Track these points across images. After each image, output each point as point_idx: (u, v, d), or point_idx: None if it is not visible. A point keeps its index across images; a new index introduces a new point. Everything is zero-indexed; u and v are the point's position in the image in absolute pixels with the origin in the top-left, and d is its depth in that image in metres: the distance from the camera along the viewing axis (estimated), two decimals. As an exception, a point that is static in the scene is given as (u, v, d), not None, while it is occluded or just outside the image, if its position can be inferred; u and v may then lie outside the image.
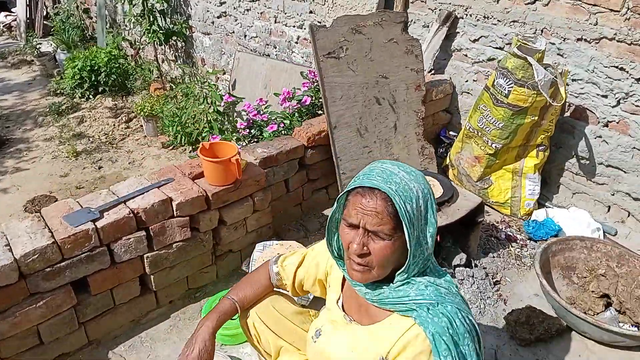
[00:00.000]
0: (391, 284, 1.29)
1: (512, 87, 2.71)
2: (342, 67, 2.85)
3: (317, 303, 2.38)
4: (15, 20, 8.46)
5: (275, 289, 1.77)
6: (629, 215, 2.98)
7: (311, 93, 3.17)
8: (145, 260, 2.29)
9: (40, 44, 7.35)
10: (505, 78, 2.74)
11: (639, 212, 2.92)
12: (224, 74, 5.47)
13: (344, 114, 2.87)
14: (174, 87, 6.16)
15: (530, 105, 2.72)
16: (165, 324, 2.43)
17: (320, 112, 3.23)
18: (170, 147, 5.12)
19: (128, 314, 2.37)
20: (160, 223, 2.29)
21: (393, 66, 3.03)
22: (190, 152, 4.97)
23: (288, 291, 1.75)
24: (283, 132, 3.16)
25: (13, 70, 7.29)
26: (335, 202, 1.34)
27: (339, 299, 1.51)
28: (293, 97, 3.17)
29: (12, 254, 1.95)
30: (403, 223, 1.19)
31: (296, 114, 3.16)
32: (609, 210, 3.05)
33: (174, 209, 2.30)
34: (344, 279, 1.52)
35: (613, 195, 2.99)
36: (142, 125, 5.50)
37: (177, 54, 6.17)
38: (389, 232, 1.21)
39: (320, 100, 3.14)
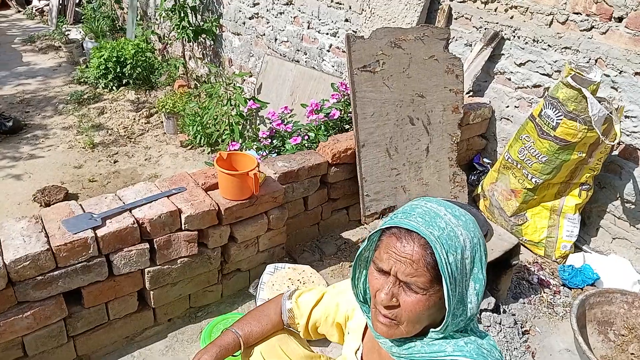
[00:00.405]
0: (424, 338, 1.10)
1: (561, 119, 2.48)
2: (376, 82, 2.65)
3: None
4: (48, 5, 8.44)
5: (285, 327, 1.57)
6: (674, 269, 2.72)
7: (340, 106, 2.98)
8: (146, 275, 2.11)
9: (70, 30, 7.31)
10: (554, 109, 2.51)
11: (686, 266, 2.66)
12: (251, 76, 5.31)
13: (374, 132, 2.67)
14: (198, 85, 6.03)
15: (580, 140, 2.49)
16: (162, 344, 2.24)
17: (347, 127, 3.04)
18: (189, 147, 4.98)
19: (122, 330, 2.18)
20: (166, 236, 2.11)
21: (431, 85, 2.82)
22: (208, 152, 4.82)
23: (299, 332, 1.55)
24: (306, 145, 2.96)
25: (40, 54, 7.24)
26: (367, 239, 1.14)
27: (358, 349, 1.31)
28: (321, 110, 2.98)
29: (2, 259, 1.78)
30: (442, 277, 1.00)
31: (322, 127, 2.97)
32: (652, 260, 2.80)
33: (183, 221, 2.12)
34: (366, 327, 1.32)
35: (659, 245, 2.74)
36: (162, 122, 5.37)
37: (204, 52, 6.04)
38: (424, 285, 1.02)
39: (349, 114, 2.95)
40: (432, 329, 1.09)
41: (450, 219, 1.04)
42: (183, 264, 2.19)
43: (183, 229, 2.14)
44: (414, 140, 2.83)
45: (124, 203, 2.12)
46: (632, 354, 2.18)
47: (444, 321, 1.05)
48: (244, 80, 5.46)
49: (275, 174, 2.51)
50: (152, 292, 2.16)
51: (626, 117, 2.69)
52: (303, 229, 2.83)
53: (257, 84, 4.82)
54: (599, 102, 2.43)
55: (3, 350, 1.89)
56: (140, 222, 2.03)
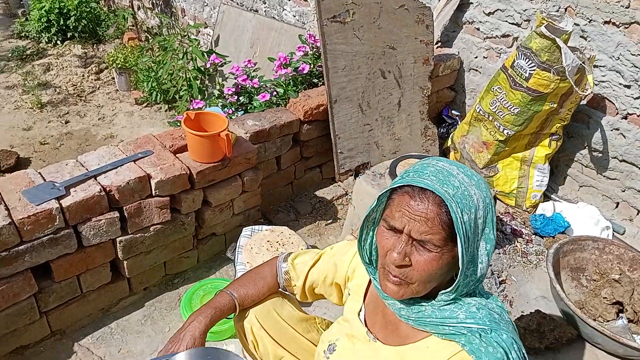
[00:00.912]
0: (433, 302, 1.08)
1: (534, 70, 2.46)
2: (347, 33, 2.54)
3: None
4: (-25, -50, 7.70)
5: (280, 289, 1.53)
6: (638, 214, 2.82)
7: (309, 60, 2.86)
8: (117, 244, 2.01)
9: (3, -21, 6.73)
10: (527, 59, 2.48)
11: (649, 210, 2.76)
12: (206, 27, 5.05)
13: (346, 87, 2.58)
14: (150, 38, 5.70)
15: (552, 91, 2.49)
16: (139, 314, 2.17)
17: (317, 81, 2.93)
18: (144, 104, 4.75)
19: (97, 302, 2.09)
20: (137, 203, 1.99)
21: (402, 36, 2.74)
22: (166, 110, 4.62)
23: (296, 294, 1.51)
24: (275, 101, 2.85)
25: (-29, 7, 6.67)
26: (376, 200, 1.09)
27: (360, 310, 1.28)
28: (290, 64, 2.85)
29: (-40, 236, 1.64)
30: (457, 235, 0.98)
31: (291, 83, 2.85)
32: (617, 206, 2.89)
33: (153, 187, 2.01)
34: (367, 288, 1.29)
35: (624, 191, 2.82)
36: (113, 78, 5.09)
37: (154, 1, 5.69)
38: (439, 243, 1.00)
39: (318, 68, 2.85)
40: (442, 291, 1.07)
41: (463, 178, 1.02)
42: (156, 231, 2.09)
43: (154, 195, 2.03)
44: (386, 94, 2.77)
45: (87, 170, 1.98)
46: (605, 297, 2.26)
47: (456, 281, 1.03)
48: (199, 32, 5.20)
49: (246, 133, 2.41)
50: (125, 262, 2.06)
51: (595, 66, 2.69)
52: (277, 189, 2.76)
53: (213, 36, 4.59)
54: (572, 51, 2.42)
55: (-31, 332, 1.78)
56: (108, 189, 1.91)
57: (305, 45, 2.97)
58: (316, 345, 1.43)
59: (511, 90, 2.59)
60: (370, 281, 1.28)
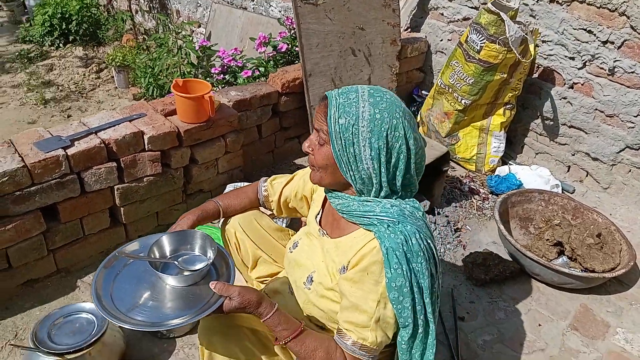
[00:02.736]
0: (359, 198, 1.35)
1: (484, 42, 2.78)
2: (319, 14, 2.86)
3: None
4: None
5: (260, 205, 1.82)
6: (587, 175, 3.12)
7: (288, 40, 3.18)
8: (115, 192, 2.31)
9: (9, -12, 7.09)
10: (478, 34, 2.80)
11: (596, 171, 3.06)
12: (199, 26, 5.39)
13: (319, 63, 2.90)
14: (147, 39, 6.04)
15: (501, 62, 2.80)
16: (134, 257, 2.46)
17: (296, 61, 3.25)
18: (142, 99, 5.06)
19: (97, 245, 2.39)
20: (132, 155, 2.30)
21: (370, 18, 3.06)
22: (162, 104, 4.92)
23: (273, 209, 1.79)
24: (257, 78, 3.17)
25: (-22, 15, 7.04)
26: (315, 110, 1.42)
27: (318, 213, 1.58)
28: (269, 42, 3.18)
29: (-19, 175, 1.94)
30: (328, 130, 1.28)
31: (272, 62, 3.17)
32: (568, 170, 3.19)
33: (146, 142, 2.31)
34: (326, 197, 1.57)
35: (573, 155, 3.12)
36: (113, 76, 5.41)
37: (151, 4, 6.04)
38: (326, 134, 1.30)
39: (296, 48, 3.16)
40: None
41: (363, 95, 1.28)
42: (149, 182, 2.39)
43: (147, 149, 2.33)
44: (357, 70, 3.08)
45: (89, 127, 2.29)
46: (547, 239, 2.55)
47: (352, 178, 1.31)
48: (193, 31, 5.53)
49: (229, 101, 2.71)
50: (122, 209, 2.36)
51: (543, 41, 3.01)
52: (259, 156, 3.06)
53: (206, 33, 4.92)
54: (517, 25, 2.73)
55: (-12, 261, 2.08)
56: (107, 142, 2.21)
57: (284, 28, 3.30)
58: None
59: (466, 63, 2.90)
60: None
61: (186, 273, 1.41)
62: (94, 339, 1.79)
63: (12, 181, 1.99)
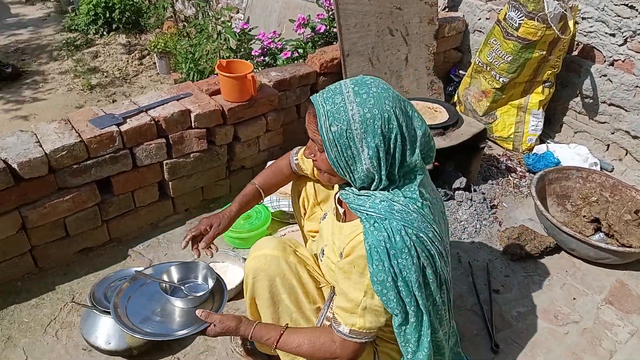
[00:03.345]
0: (355, 191, 1.39)
1: (522, 19, 2.78)
2: (357, -5, 2.91)
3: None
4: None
5: (294, 173, 1.89)
6: (626, 154, 3.09)
7: (326, 22, 3.25)
8: (164, 167, 2.44)
9: (55, -21, 7.36)
10: (516, 10, 2.80)
11: (636, 150, 3.03)
12: (238, 12, 5.50)
13: (357, 42, 2.95)
14: (187, 26, 6.19)
15: (539, 39, 2.80)
16: (181, 229, 2.60)
17: (334, 42, 3.31)
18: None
19: (147, 217, 2.53)
20: (179, 132, 2.42)
21: (407, -2, 3.09)
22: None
23: (308, 174, 1.85)
24: (297, 60, 3.25)
25: (27, 6, 7.34)
26: None
27: (336, 193, 1.63)
28: (308, 24, 3.25)
29: (43, 149, 2.09)
30: (322, 140, 1.30)
31: (310, 43, 3.25)
32: (607, 148, 3.16)
33: (192, 120, 2.43)
34: None
35: (613, 133, 3.09)
36: (155, 63, 5.58)
37: (191, -9, 6.17)
38: (321, 144, 1.32)
39: (334, 29, 3.22)
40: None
41: (349, 96, 1.27)
42: (195, 158, 2.51)
43: (193, 126, 2.45)
44: (394, 50, 3.12)
45: (139, 106, 2.42)
46: (584, 216, 2.56)
47: (351, 179, 1.35)
48: (232, 17, 5.64)
49: (269, 82, 2.81)
50: (170, 183, 2.50)
51: (582, 18, 2.99)
52: (297, 135, 3.14)
53: (244, 18, 5.03)
54: (556, 1, 2.72)
55: (50, 230, 2.24)
56: (156, 120, 2.34)
57: (322, 11, 3.36)
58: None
59: (504, 40, 2.91)
60: None
61: (190, 297, 1.64)
62: (146, 301, 1.92)
63: (70, 155, 2.13)
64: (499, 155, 3.17)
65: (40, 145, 2.11)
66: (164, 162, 2.43)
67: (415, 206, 1.32)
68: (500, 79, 3.03)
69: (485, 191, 2.81)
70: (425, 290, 1.34)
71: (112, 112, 2.37)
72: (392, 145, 1.29)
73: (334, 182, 1.45)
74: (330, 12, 3.27)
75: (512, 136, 3.18)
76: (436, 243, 1.34)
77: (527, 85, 3.08)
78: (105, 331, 1.90)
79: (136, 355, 1.95)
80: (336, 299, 1.42)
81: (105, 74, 5.46)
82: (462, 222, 2.60)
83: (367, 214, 1.32)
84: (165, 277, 1.71)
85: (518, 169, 3.04)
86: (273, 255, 1.56)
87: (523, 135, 3.16)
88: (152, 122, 2.32)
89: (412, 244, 1.28)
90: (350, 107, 1.26)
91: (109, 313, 1.87)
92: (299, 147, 1.90)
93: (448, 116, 2.65)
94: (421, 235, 1.30)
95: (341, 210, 1.52)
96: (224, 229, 1.74)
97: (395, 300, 1.30)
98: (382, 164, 1.29)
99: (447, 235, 1.50)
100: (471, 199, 2.69)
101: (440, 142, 2.50)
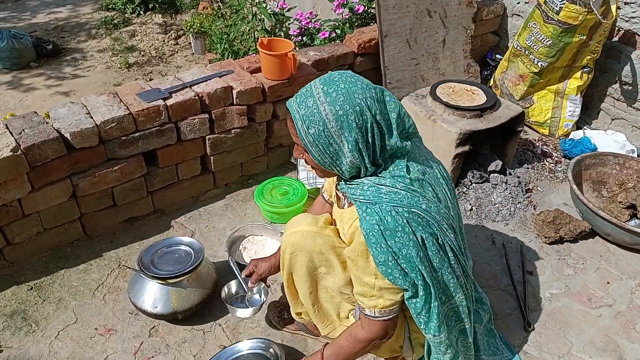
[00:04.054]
0: (350, 181, 1.46)
1: (564, 3, 2.76)
2: (397, -24, 2.92)
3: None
4: None
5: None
6: (665, 142, 3.05)
7: (364, 2, 3.27)
8: (206, 142, 2.52)
9: (93, -42, 7.46)
10: (558, -6, 2.78)
11: (676, 138, 2.99)
12: (273, -6, 5.52)
13: (395, 24, 2.97)
14: (221, 6, 6.25)
15: (580, 23, 2.77)
16: (221, 203, 2.68)
17: (371, 23, 3.33)
18: (218, 64, 5.28)
19: (189, 190, 2.62)
20: (222, 109, 2.49)
21: (446, -20, 3.09)
22: (236, 69, 5.12)
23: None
24: (334, 40, 3.28)
25: (66, -17, 7.48)
26: None
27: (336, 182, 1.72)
28: (347, 4, 3.28)
29: (93, 120, 2.18)
30: (303, 143, 1.37)
31: (348, 23, 3.28)
32: (646, 136, 3.13)
33: (234, 96, 2.50)
34: None
35: (652, 121, 3.06)
36: (190, 43, 5.67)
37: (227, -28, 6.21)
38: (304, 146, 1.39)
39: (372, 10, 3.24)
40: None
41: (319, 97, 1.32)
42: (236, 134, 2.58)
43: (235, 103, 2.52)
44: (432, 32, 3.13)
45: (183, 82, 2.49)
46: (620, 202, 2.55)
47: (339, 172, 1.42)
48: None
49: (308, 61, 2.85)
50: (212, 158, 2.58)
51: (625, 3, 2.94)
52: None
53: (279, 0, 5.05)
54: (599, -15, 2.70)
55: (98, 199, 2.34)
56: (200, 95, 2.41)
57: (360, -8, 3.38)
58: None
59: (544, 24, 2.89)
60: None
61: (249, 308, 1.98)
62: (191, 268, 2.01)
63: (119, 127, 2.22)
64: (535, 140, 3.17)
65: (91, 117, 2.21)
66: (207, 137, 2.51)
67: (402, 184, 1.39)
68: (539, 63, 3.01)
69: (520, 175, 2.82)
70: (433, 262, 1.42)
71: (158, 86, 2.45)
72: (369, 135, 1.34)
73: (328, 176, 1.55)
74: (369, -7, 3.28)
75: (548, 121, 3.17)
76: (433, 213, 1.40)
77: (565, 70, 3.06)
78: (152, 295, 1.99)
79: (180, 320, 2.04)
80: (355, 286, 1.52)
81: (142, 52, 5.56)
82: (497, 205, 2.62)
83: (359, 202, 1.39)
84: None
85: (554, 154, 3.04)
86: (309, 230, 1.62)
87: (560, 120, 3.15)
88: (196, 97, 2.39)
89: (405, 221, 1.34)
90: (323, 107, 1.31)
91: (156, 278, 1.97)
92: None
93: (486, 98, 2.66)
94: (413, 210, 1.36)
95: (342, 198, 1.59)
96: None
97: (401, 277, 1.39)
98: (364, 154, 1.35)
99: (453, 202, 1.55)
100: (506, 182, 2.71)
101: (477, 124, 2.52)
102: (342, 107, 1.30)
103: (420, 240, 1.37)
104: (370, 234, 1.35)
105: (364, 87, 1.34)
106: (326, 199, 1.95)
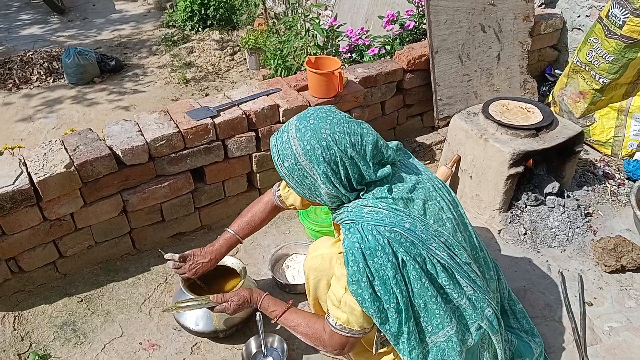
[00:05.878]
0: (338, 208, 1.50)
1: (627, 17, 2.61)
2: (449, -9, 2.86)
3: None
4: (133, -44, 8.95)
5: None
6: None
7: (415, 18, 3.22)
8: (253, 159, 2.53)
9: (155, -22, 7.79)
10: (621, 7, 2.63)
11: None
12: (326, 9, 5.56)
13: (447, 39, 2.90)
14: (277, 23, 6.36)
15: (646, 37, 2.61)
16: (266, 220, 2.68)
17: (422, 39, 3.27)
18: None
19: (235, 206, 2.64)
20: (268, 126, 2.50)
21: (502, -6, 2.99)
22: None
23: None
24: (384, 57, 3.24)
25: (130, 2, 7.84)
26: None
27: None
28: (397, 20, 3.23)
29: (144, 138, 2.24)
30: (282, 177, 1.46)
31: (398, 40, 3.23)
32: None
33: (280, 114, 2.50)
34: None
35: None
36: (245, 59, 5.78)
37: (281, -11, 6.32)
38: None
39: (423, 26, 3.19)
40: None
41: (291, 133, 1.40)
42: (282, 152, 2.59)
43: (281, 121, 2.52)
44: (485, 47, 3.04)
45: (232, 100, 2.52)
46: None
47: (321, 201, 1.48)
48: (320, 14, 5.72)
49: (355, 78, 2.83)
50: (258, 175, 2.59)
51: (699, 15, 2.74)
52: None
53: (332, 15, 5.07)
54: (668, -3, 2.53)
55: (147, 214, 2.40)
56: (247, 114, 2.43)
57: (412, 7, 3.33)
58: None
59: (606, 39, 2.74)
60: None
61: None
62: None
63: (168, 144, 2.27)
64: (596, 161, 2.99)
65: (142, 134, 2.27)
66: (253, 154, 2.52)
67: (384, 204, 1.41)
68: (600, 80, 2.85)
69: (579, 198, 2.67)
70: (413, 287, 1.39)
71: (207, 104, 2.49)
72: (340, 168, 1.38)
73: (316, 205, 1.65)
74: (420, 9, 3.23)
75: (611, 140, 2.99)
76: (418, 232, 1.39)
77: (629, 87, 2.89)
78: (195, 313, 2.01)
79: (221, 338, 2.05)
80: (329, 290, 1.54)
81: (199, 68, 5.72)
82: (553, 230, 2.49)
83: (344, 222, 1.44)
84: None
85: (616, 175, 2.86)
86: (328, 253, 1.65)
87: (623, 140, 2.96)
88: (244, 115, 2.42)
89: (385, 241, 1.35)
90: (293, 142, 1.38)
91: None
92: (278, 182, 1.99)
93: (542, 117, 2.54)
94: (396, 229, 1.37)
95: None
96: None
97: (369, 300, 1.37)
98: (337, 186, 1.40)
99: (453, 211, 1.53)
100: (564, 205, 2.57)
101: (532, 144, 2.40)
102: (309, 142, 1.36)
103: (400, 263, 1.37)
104: (350, 252, 1.37)
105: (335, 122, 1.39)
106: (277, 202, 1.95)
